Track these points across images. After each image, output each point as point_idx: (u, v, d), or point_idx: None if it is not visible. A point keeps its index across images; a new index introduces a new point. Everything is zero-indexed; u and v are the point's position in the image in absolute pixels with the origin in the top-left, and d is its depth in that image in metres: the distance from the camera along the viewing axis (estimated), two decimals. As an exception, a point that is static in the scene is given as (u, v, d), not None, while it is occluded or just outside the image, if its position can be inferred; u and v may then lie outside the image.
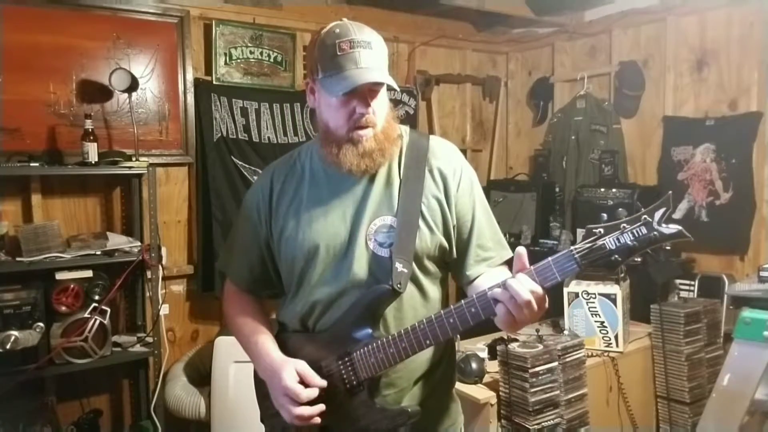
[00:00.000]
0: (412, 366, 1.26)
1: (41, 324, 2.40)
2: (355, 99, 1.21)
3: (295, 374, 1.22)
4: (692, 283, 2.93)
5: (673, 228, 1.01)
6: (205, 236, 3.09)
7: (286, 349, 1.30)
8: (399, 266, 1.21)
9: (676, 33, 3.21)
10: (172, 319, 3.07)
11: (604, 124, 3.55)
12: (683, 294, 2.93)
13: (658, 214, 1.02)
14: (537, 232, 3.57)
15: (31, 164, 2.53)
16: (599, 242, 1.03)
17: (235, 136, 3.16)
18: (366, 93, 1.21)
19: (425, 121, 3.98)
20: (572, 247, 1.06)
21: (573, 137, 3.69)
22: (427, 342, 1.16)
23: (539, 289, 1.06)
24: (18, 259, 2.43)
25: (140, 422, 2.83)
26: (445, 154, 1.33)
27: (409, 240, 1.23)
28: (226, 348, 2.68)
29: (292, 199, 1.33)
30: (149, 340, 2.74)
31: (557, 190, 3.71)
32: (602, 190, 3.23)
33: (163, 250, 2.88)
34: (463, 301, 1.14)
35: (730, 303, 2.65)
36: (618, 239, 1.02)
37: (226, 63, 3.15)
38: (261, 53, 3.25)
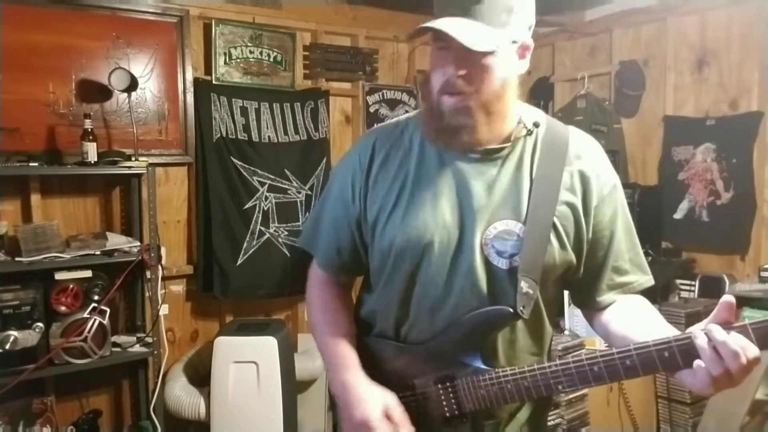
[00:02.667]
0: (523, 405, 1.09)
1: (40, 324, 2.39)
2: (448, 54, 1.00)
3: (381, 408, 1.03)
4: (693, 283, 2.93)
5: None
6: (204, 236, 3.09)
7: (372, 357, 1.13)
8: (525, 286, 1.01)
9: (676, 32, 3.21)
10: (171, 320, 3.07)
11: (605, 124, 3.54)
12: (684, 294, 2.92)
13: None
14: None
15: (31, 164, 2.52)
16: None
17: (234, 136, 3.15)
18: (456, 50, 0.98)
19: (425, 121, 3.96)
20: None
21: (573, 137, 3.68)
22: (560, 387, 0.96)
23: (756, 352, 0.84)
24: (17, 259, 2.42)
25: (140, 422, 2.82)
26: (588, 153, 1.10)
27: (537, 255, 1.02)
28: (226, 348, 2.67)
29: (396, 174, 1.10)
30: (149, 340, 2.73)
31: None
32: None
33: (163, 250, 2.87)
34: (615, 351, 0.92)
35: (731, 303, 2.63)
36: None
37: (225, 63, 3.15)
38: (261, 53, 3.25)
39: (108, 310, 2.56)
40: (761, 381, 2.10)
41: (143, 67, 2.94)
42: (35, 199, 2.67)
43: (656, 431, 2.67)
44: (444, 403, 1.05)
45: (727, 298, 0.87)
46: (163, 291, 2.88)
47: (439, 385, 1.06)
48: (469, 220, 1.05)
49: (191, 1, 3.05)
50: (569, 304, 2.50)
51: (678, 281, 2.96)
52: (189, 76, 3.06)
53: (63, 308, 2.46)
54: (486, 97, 1.02)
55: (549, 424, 2.05)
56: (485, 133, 1.04)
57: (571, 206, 1.06)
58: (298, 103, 3.34)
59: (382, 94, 3.72)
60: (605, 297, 1.10)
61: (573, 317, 2.50)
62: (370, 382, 1.08)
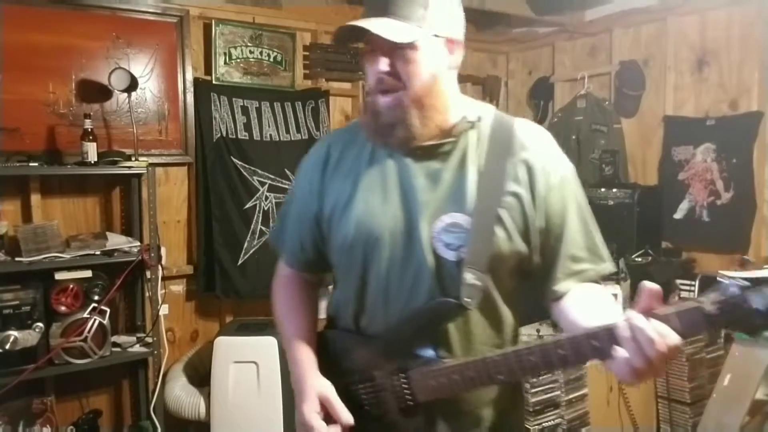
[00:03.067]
0: (477, 395, 1.09)
1: (40, 324, 2.39)
2: (373, 55, 1.04)
3: (317, 405, 1.08)
4: (693, 283, 2.92)
5: None
6: (205, 236, 3.09)
7: (335, 350, 1.17)
8: (470, 277, 1.02)
9: (676, 32, 3.21)
10: (171, 320, 3.07)
11: (605, 124, 3.54)
12: (684, 294, 2.92)
13: None
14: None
15: (31, 164, 2.52)
16: (747, 298, 0.79)
17: (234, 136, 3.15)
18: (379, 49, 1.03)
19: (425, 121, 3.96)
20: (702, 299, 0.83)
21: (573, 137, 3.68)
22: (500, 378, 0.98)
23: (676, 340, 0.83)
24: (17, 259, 2.42)
25: (140, 422, 2.82)
26: (535, 144, 1.10)
27: (483, 246, 1.03)
28: (226, 348, 2.67)
29: (349, 172, 1.14)
30: (149, 340, 2.73)
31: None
32: (603, 189, 3.23)
33: (163, 250, 2.87)
34: (552, 338, 0.95)
35: (731, 303, 2.63)
36: (732, 303, 0.80)
37: (225, 63, 3.15)
38: (261, 53, 3.25)
39: (108, 310, 2.56)
40: (761, 381, 2.10)
41: (143, 67, 2.94)
42: (35, 199, 2.67)
43: (656, 431, 2.67)
44: (399, 394, 1.07)
45: (648, 285, 0.87)
46: (163, 291, 2.88)
47: (395, 377, 1.08)
48: (417, 214, 1.07)
49: (191, 1, 3.05)
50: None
51: (678, 281, 2.96)
52: (189, 76, 3.06)
53: (63, 308, 2.46)
54: (416, 92, 1.04)
55: (549, 424, 2.05)
56: (421, 128, 1.06)
57: (517, 196, 1.06)
58: (299, 103, 3.34)
59: (382, 94, 3.71)
60: (561, 285, 1.09)
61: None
62: (316, 378, 1.12)
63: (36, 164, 2.53)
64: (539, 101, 4.04)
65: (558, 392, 2.08)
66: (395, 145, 1.09)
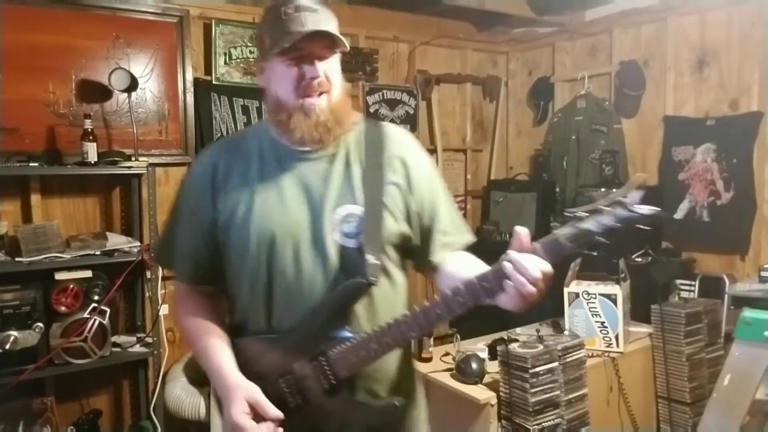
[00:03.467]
0: (385, 357, 1.21)
1: (40, 324, 2.40)
2: (305, 63, 1.16)
3: (245, 406, 1.13)
4: (693, 283, 2.92)
5: (650, 209, 1.02)
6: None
7: (247, 357, 1.21)
8: (371, 258, 1.16)
9: (676, 32, 3.21)
10: (171, 320, 3.06)
11: (605, 124, 3.54)
12: (684, 294, 2.92)
13: (634, 195, 1.02)
14: (537, 232, 3.55)
15: (31, 164, 2.52)
16: (587, 225, 1.03)
17: (234, 136, 3.15)
18: (315, 57, 1.16)
19: (425, 121, 3.97)
20: (556, 232, 1.05)
21: (573, 137, 3.68)
22: (412, 334, 1.14)
23: (548, 267, 1.04)
24: (17, 259, 2.42)
25: (140, 423, 2.83)
26: (402, 141, 1.30)
27: (376, 230, 1.19)
28: (226, 348, 2.67)
29: (241, 181, 1.22)
30: (149, 340, 2.73)
31: (557, 190, 3.70)
32: (603, 190, 3.22)
33: (163, 250, 2.86)
34: (449, 291, 1.11)
35: (731, 303, 2.64)
36: (602, 223, 1.03)
37: (225, 63, 3.15)
38: (261, 53, 3.24)
39: (108, 310, 2.56)
40: (761, 381, 2.10)
41: (143, 67, 2.94)
42: (35, 199, 2.67)
43: (656, 431, 2.67)
44: (321, 376, 1.17)
45: (518, 228, 1.07)
46: (164, 291, 2.88)
47: (314, 362, 1.17)
48: (315, 211, 1.19)
49: (191, 1, 3.05)
50: (569, 305, 2.50)
51: (678, 281, 2.96)
52: (189, 76, 3.06)
53: (63, 308, 2.46)
54: (337, 95, 1.21)
55: (548, 424, 2.05)
56: (338, 128, 1.21)
57: (397, 186, 1.24)
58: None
59: (382, 94, 3.72)
60: (437, 256, 1.28)
61: (573, 317, 2.50)
62: (239, 381, 1.17)
63: (36, 164, 2.53)
64: (539, 101, 4.04)
65: (558, 392, 2.08)
66: (311, 144, 1.20)
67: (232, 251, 1.23)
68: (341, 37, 1.16)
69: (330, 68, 1.19)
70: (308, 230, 1.18)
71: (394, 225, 1.22)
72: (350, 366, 1.15)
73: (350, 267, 1.17)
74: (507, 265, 1.04)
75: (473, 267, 1.20)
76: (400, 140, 1.29)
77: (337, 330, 1.17)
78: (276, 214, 1.19)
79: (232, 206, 1.21)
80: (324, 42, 1.16)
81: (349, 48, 1.20)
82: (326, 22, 1.16)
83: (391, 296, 1.25)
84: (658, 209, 1.03)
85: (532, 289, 1.02)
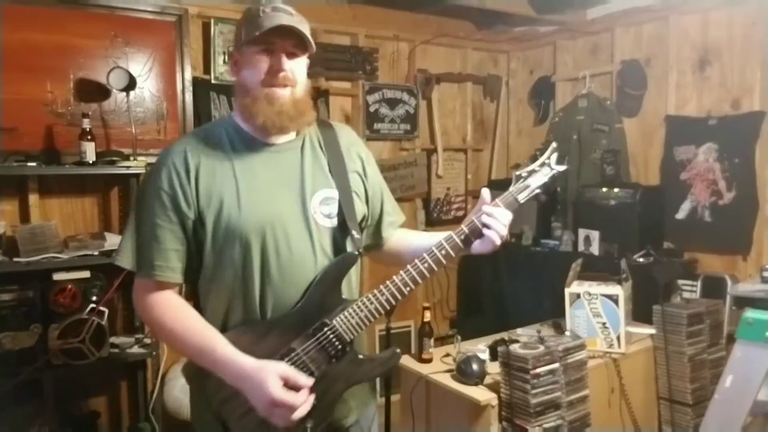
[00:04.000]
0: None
1: (38, 325, 2.39)
2: (273, 57, 1.27)
3: (279, 382, 1.16)
4: (695, 283, 2.91)
5: (563, 166, 1.39)
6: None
7: (242, 348, 1.22)
8: (354, 233, 1.34)
9: (678, 32, 3.19)
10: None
11: (606, 124, 3.53)
12: (686, 295, 2.91)
13: (553, 158, 1.38)
14: (538, 232, 3.55)
15: (29, 164, 2.51)
16: (530, 182, 1.37)
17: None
18: (284, 51, 1.27)
19: (425, 121, 3.96)
20: (512, 188, 1.36)
21: (575, 137, 3.67)
22: (408, 289, 1.30)
23: (509, 213, 1.32)
24: (15, 259, 2.41)
25: (138, 424, 2.82)
26: (351, 135, 1.48)
27: (351, 210, 1.35)
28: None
29: (222, 174, 1.27)
30: (147, 341, 2.72)
31: (559, 190, 3.69)
32: (604, 189, 3.21)
33: (162, 251, 2.85)
34: (435, 245, 1.31)
35: (733, 303, 2.63)
36: (539, 179, 1.37)
37: (224, 62, 3.13)
38: (260, 52, 3.23)
39: (106, 311, 2.56)
40: (763, 382, 2.09)
41: (142, 66, 2.93)
42: (33, 199, 2.66)
43: (658, 432, 2.66)
44: (326, 345, 1.26)
45: (484, 191, 1.33)
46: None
47: (319, 334, 1.26)
48: (297, 196, 1.31)
49: (190, 0, 3.04)
50: (570, 306, 2.49)
51: (680, 281, 2.95)
52: (188, 76, 3.04)
53: (61, 309, 2.46)
54: (300, 91, 1.31)
55: (550, 425, 2.04)
56: (299, 120, 1.32)
57: (358, 174, 1.42)
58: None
59: (382, 94, 3.71)
60: (387, 233, 1.52)
61: (574, 318, 2.49)
62: (259, 363, 1.20)
63: (34, 164, 2.52)
64: (540, 100, 4.03)
65: (559, 393, 2.06)
66: (276, 132, 1.31)
67: (221, 241, 1.26)
68: (309, 38, 1.28)
69: (296, 66, 1.30)
70: (295, 214, 1.29)
71: (360, 206, 1.40)
72: (354, 328, 1.28)
73: (335, 245, 1.34)
74: (487, 217, 1.29)
75: (418, 235, 1.53)
76: (351, 136, 1.48)
77: (335, 299, 1.30)
78: (263, 202, 1.27)
79: (218, 198, 1.26)
80: (293, 41, 1.27)
81: (315, 50, 1.33)
82: (299, 24, 1.27)
83: (356, 271, 1.40)
84: (566, 166, 1.42)
85: (504, 231, 1.29)
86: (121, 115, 2.88)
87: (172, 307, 1.27)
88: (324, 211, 1.32)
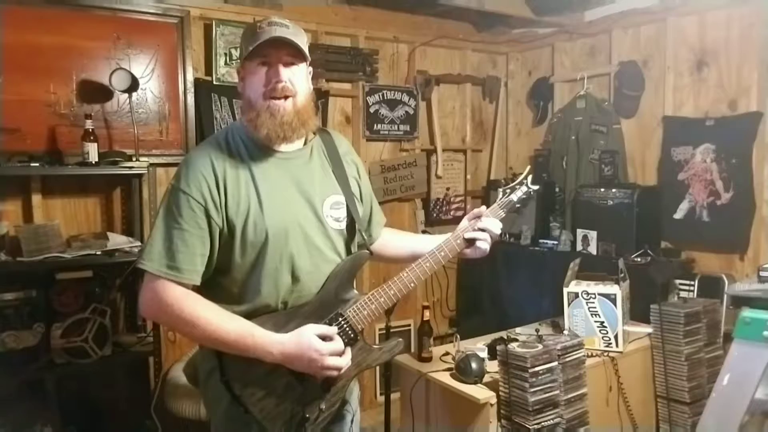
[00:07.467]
0: None
1: (41, 324, 2.40)
2: (271, 69, 1.36)
3: (316, 338, 1.33)
4: (692, 283, 2.93)
5: (535, 186, 1.67)
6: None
7: (281, 324, 1.37)
8: (364, 234, 1.53)
9: (675, 33, 3.21)
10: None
11: (604, 124, 3.55)
12: (683, 294, 2.92)
13: (529, 179, 1.65)
14: (537, 232, 3.57)
15: (32, 164, 2.53)
16: (512, 197, 1.63)
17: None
18: (280, 62, 1.36)
19: (425, 122, 3.97)
20: (498, 202, 1.61)
21: (573, 137, 3.69)
22: (412, 285, 1.47)
23: (500, 224, 1.55)
24: (18, 259, 2.43)
25: (141, 422, 2.83)
26: (346, 144, 1.60)
27: (357, 212, 1.51)
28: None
29: (244, 182, 1.37)
30: (149, 340, 2.74)
31: (557, 190, 3.71)
32: (602, 190, 3.23)
33: (164, 250, 2.87)
34: (435, 247, 1.51)
35: (730, 303, 2.64)
36: (518, 195, 1.64)
37: (226, 63, 3.15)
38: (261, 53, 3.25)
39: (109, 310, 2.58)
40: (761, 380, 2.10)
41: (144, 67, 2.95)
42: (36, 199, 2.68)
43: (655, 431, 2.67)
44: (341, 334, 1.39)
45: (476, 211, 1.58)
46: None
47: (334, 324, 1.40)
48: (311, 201, 1.43)
49: (192, 1, 3.05)
50: (568, 305, 2.51)
51: (677, 281, 2.96)
52: (190, 77, 3.06)
53: (64, 308, 2.47)
54: (302, 100, 1.39)
55: (548, 423, 2.06)
56: (301, 129, 1.41)
57: (355, 179, 1.57)
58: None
59: (383, 95, 3.73)
60: (377, 232, 1.69)
61: (572, 317, 2.50)
62: (296, 332, 1.34)
63: (37, 164, 2.54)
64: (539, 102, 4.05)
65: (557, 392, 2.08)
66: (277, 143, 1.40)
67: (246, 242, 1.36)
68: (303, 48, 1.37)
69: (294, 76, 1.38)
70: (310, 218, 1.42)
71: (361, 208, 1.56)
72: (365, 319, 1.43)
73: (344, 245, 1.49)
74: (486, 224, 1.51)
75: (403, 234, 1.76)
76: (345, 143, 1.60)
77: (349, 293, 1.44)
78: (282, 206, 1.38)
79: (244, 204, 1.36)
80: (288, 50, 1.36)
81: (310, 59, 1.43)
82: (294, 35, 1.37)
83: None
84: (538, 186, 1.70)
85: (497, 238, 1.54)
86: (123, 116, 2.89)
87: (200, 301, 1.35)
88: (334, 215, 1.46)
